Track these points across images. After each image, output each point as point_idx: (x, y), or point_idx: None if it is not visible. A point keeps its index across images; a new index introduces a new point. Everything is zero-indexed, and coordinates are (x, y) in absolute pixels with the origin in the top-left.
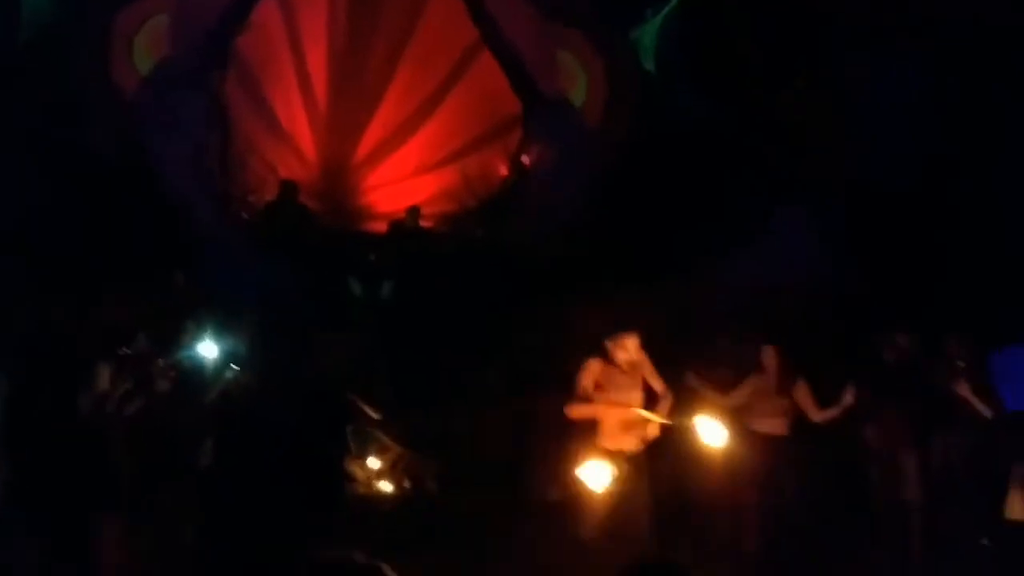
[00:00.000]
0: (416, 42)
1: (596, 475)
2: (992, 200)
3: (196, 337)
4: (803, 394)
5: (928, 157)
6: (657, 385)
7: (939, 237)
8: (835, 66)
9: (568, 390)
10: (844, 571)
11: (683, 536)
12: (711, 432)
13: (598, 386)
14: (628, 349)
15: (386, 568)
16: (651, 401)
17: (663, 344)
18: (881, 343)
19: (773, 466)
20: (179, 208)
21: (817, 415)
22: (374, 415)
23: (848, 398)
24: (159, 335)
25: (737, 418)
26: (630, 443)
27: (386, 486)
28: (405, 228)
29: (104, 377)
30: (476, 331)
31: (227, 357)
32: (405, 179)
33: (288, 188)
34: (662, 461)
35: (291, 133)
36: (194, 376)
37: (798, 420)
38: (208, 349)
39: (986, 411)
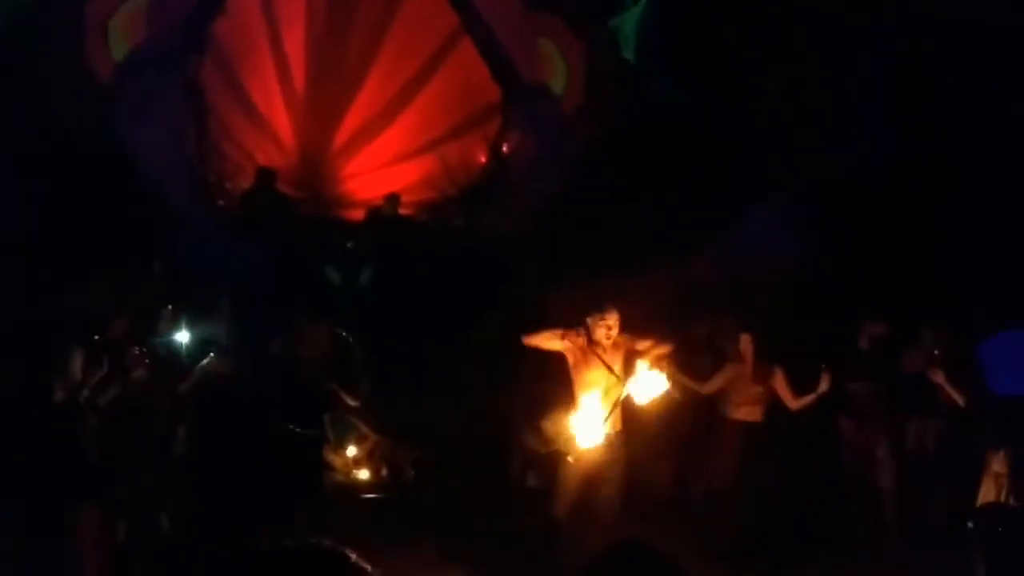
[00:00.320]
0: (395, 29)
1: (586, 428)
2: (972, 191)
3: (172, 324)
4: (779, 382)
5: (906, 147)
6: (644, 344)
7: (918, 227)
8: (815, 57)
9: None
10: (820, 557)
11: (658, 522)
12: (651, 383)
13: (575, 365)
14: (610, 324)
15: (351, 554)
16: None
17: (640, 332)
18: (855, 331)
19: (750, 453)
20: (155, 194)
21: (793, 403)
22: (352, 403)
23: (823, 385)
24: (135, 322)
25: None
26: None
27: (364, 474)
28: (384, 216)
29: (78, 364)
30: (454, 319)
31: (204, 344)
32: (384, 166)
33: (266, 175)
34: (638, 446)
35: (269, 120)
36: (170, 363)
37: (774, 407)
38: (184, 336)
39: (960, 398)
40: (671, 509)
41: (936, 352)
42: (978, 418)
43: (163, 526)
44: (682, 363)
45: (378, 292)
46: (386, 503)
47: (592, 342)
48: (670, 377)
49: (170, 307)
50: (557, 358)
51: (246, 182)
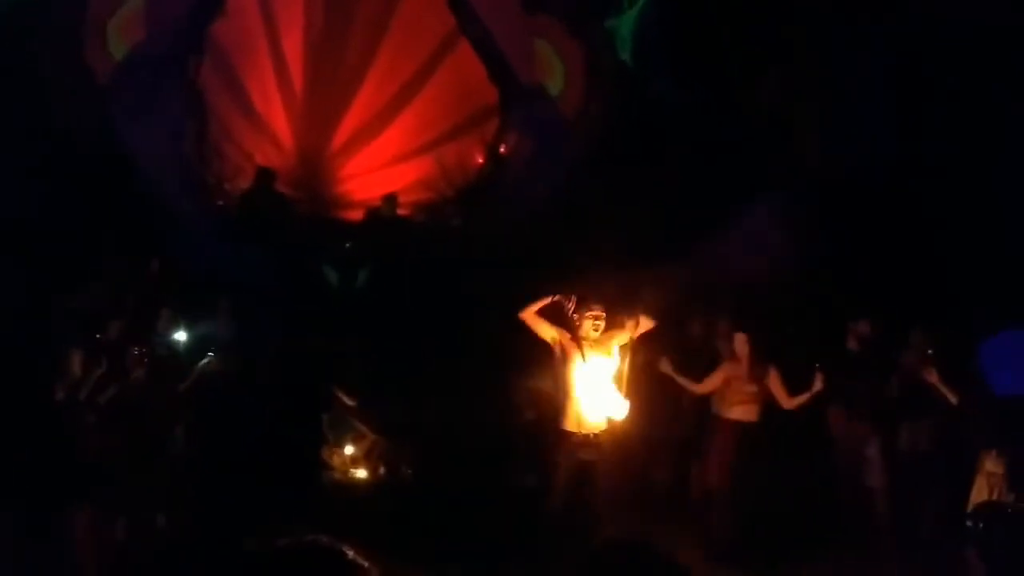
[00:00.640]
0: (393, 30)
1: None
2: (972, 191)
3: (171, 324)
4: (774, 381)
5: (906, 147)
6: (629, 324)
7: (918, 227)
8: (814, 56)
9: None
10: (815, 556)
11: (654, 522)
12: (614, 405)
13: (561, 357)
14: (597, 317)
15: (349, 551)
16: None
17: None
18: (845, 331)
19: (745, 453)
20: (154, 194)
21: (788, 402)
22: (349, 402)
23: (818, 385)
24: (133, 321)
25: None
26: (598, 425)
27: (361, 473)
28: (382, 216)
29: (77, 363)
30: (451, 319)
31: (202, 344)
32: (382, 167)
33: (264, 175)
34: (632, 444)
35: (267, 120)
36: (168, 363)
37: (768, 407)
38: (183, 336)
39: (953, 398)
40: (668, 508)
41: (930, 352)
42: (972, 418)
43: (161, 525)
44: (678, 363)
45: (376, 292)
46: (383, 502)
47: (579, 336)
48: (664, 368)
49: (168, 307)
50: (544, 351)
51: (245, 182)
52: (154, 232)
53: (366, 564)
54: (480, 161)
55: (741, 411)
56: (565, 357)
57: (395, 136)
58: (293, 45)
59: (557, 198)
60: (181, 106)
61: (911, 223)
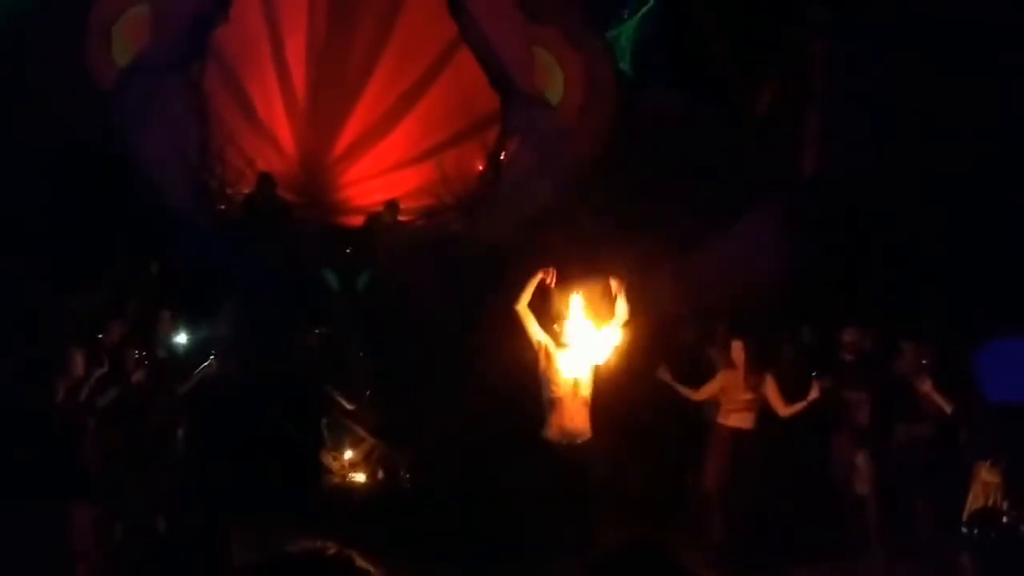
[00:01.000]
0: (396, 37)
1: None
2: (971, 191)
3: (171, 326)
4: (771, 389)
5: (899, 157)
6: (620, 308)
7: (917, 229)
8: (810, 66)
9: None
10: (809, 564)
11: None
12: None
13: (544, 365)
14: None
15: (357, 557)
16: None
17: (634, 338)
18: (837, 339)
19: (740, 460)
20: (155, 197)
21: (784, 410)
22: (349, 406)
23: (814, 393)
24: (134, 324)
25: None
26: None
27: (360, 477)
28: (383, 222)
29: (78, 365)
30: (451, 325)
31: (202, 347)
32: (383, 173)
33: (266, 181)
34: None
35: (270, 126)
36: (168, 365)
37: (764, 414)
38: (183, 338)
39: (947, 407)
40: (665, 514)
41: (924, 361)
42: (966, 426)
43: (159, 527)
44: (674, 370)
45: (376, 297)
46: (382, 506)
47: (562, 344)
48: (662, 376)
49: (169, 310)
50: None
51: (247, 187)
52: (155, 235)
53: (372, 569)
54: (480, 168)
55: (738, 418)
56: (548, 363)
57: (396, 142)
58: (296, 51)
59: (556, 205)
60: (184, 111)
61: (910, 224)
